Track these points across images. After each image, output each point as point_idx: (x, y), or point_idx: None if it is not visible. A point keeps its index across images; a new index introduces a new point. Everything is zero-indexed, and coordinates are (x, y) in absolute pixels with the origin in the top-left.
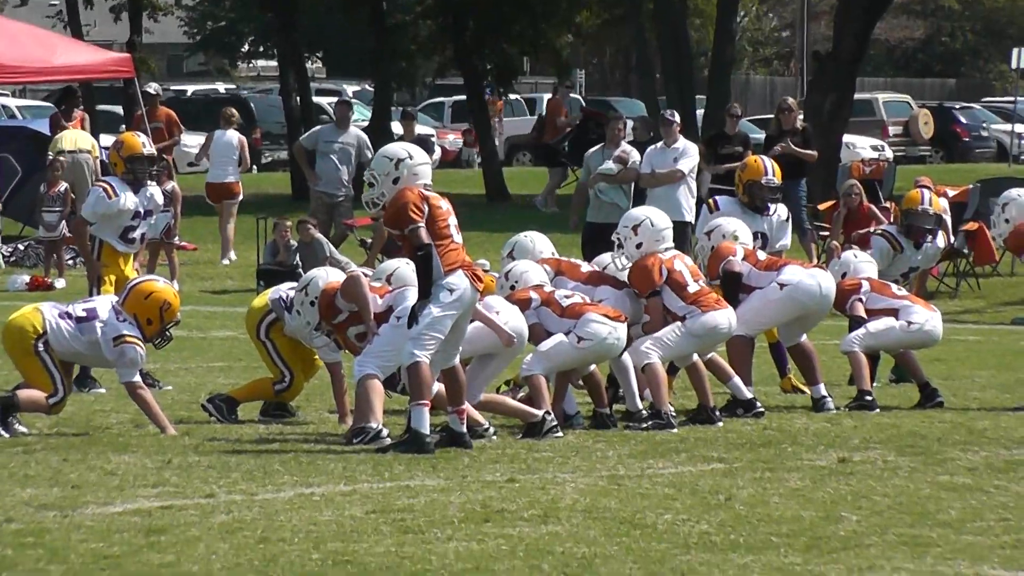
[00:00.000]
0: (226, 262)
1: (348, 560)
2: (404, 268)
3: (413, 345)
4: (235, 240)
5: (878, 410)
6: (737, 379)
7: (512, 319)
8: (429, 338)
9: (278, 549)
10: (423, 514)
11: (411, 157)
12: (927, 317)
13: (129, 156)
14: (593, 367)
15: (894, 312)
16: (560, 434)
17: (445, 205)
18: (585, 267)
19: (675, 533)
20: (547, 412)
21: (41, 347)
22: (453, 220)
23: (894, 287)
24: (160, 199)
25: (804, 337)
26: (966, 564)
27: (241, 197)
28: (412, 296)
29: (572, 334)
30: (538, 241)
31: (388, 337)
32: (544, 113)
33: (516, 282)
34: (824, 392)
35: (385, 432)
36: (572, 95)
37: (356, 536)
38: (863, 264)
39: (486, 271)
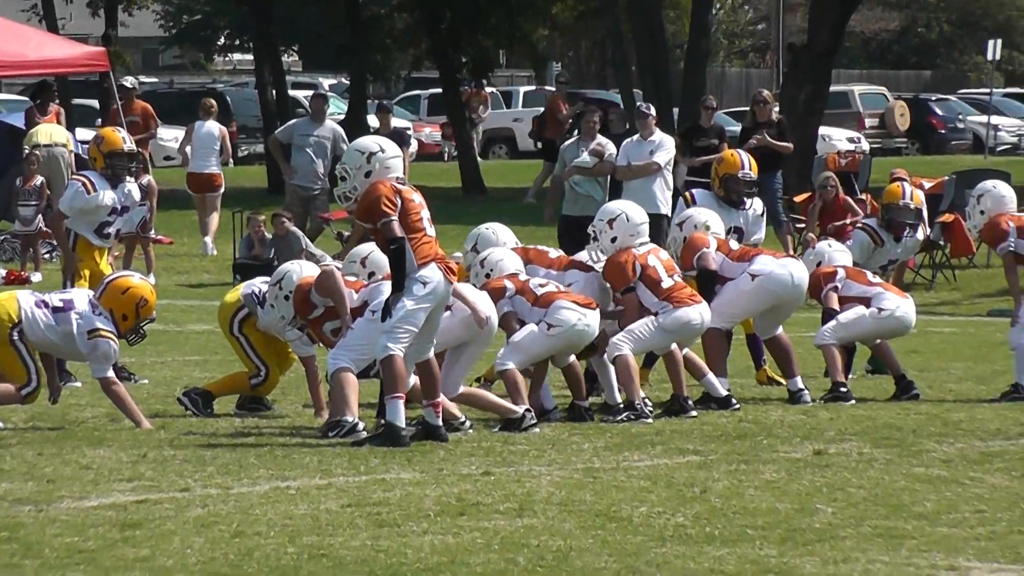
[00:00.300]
0: (208, 240)
1: (324, 554)
2: (378, 252)
3: (387, 338)
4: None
5: (853, 401)
6: (711, 376)
7: (482, 307)
8: (403, 331)
9: (253, 543)
10: (398, 507)
11: (383, 151)
12: (898, 304)
13: (109, 152)
14: (572, 358)
15: (866, 300)
16: (538, 431)
17: (418, 198)
18: (553, 253)
19: (650, 526)
20: (527, 409)
21: (16, 336)
22: (426, 213)
23: (869, 275)
24: (137, 195)
25: (780, 329)
26: (941, 556)
27: (223, 189)
28: (387, 290)
29: (542, 322)
30: (500, 232)
31: (362, 330)
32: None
33: (491, 270)
34: (801, 385)
35: (361, 425)
36: (549, 87)
37: (331, 530)
38: (837, 254)
39: (460, 264)
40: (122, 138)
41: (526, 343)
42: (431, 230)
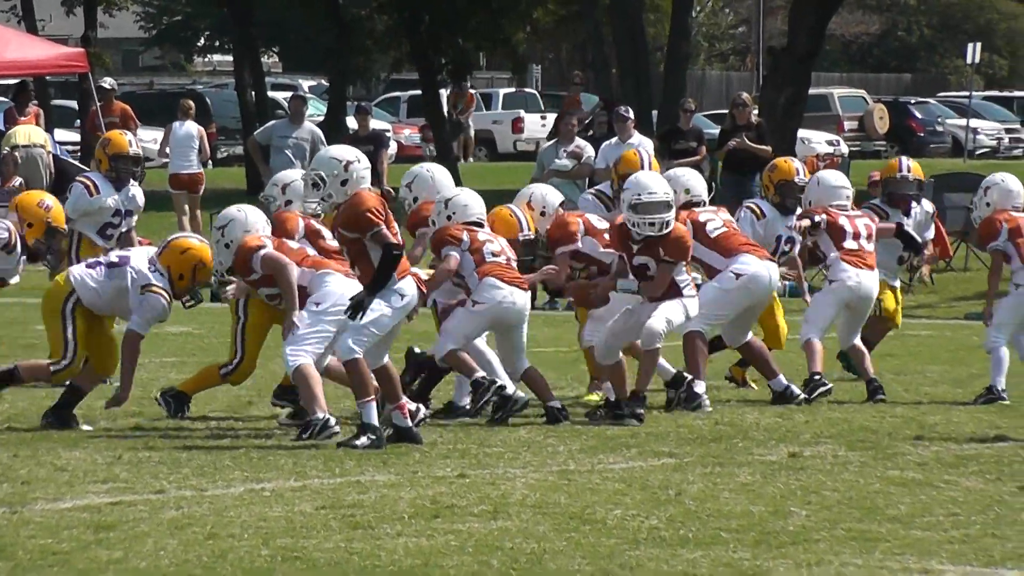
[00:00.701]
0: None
1: (297, 556)
2: (300, 181)
3: (353, 340)
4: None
5: (830, 386)
6: (662, 360)
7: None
8: (368, 335)
9: (227, 545)
10: (373, 510)
11: (359, 160)
12: (850, 274)
13: (114, 154)
14: (527, 363)
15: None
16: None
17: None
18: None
19: (624, 528)
20: (489, 379)
21: (69, 307)
22: (396, 227)
23: (850, 239)
24: (141, 200)
25: (751, 335)
26: (914, 559)
27: (204, 186)
28: (331, 283)
29: (469, 299)
30: (438, 174)
31: (311, 322)
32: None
33: (454, 213)
34: (785, 382)
35: (332, 421)
36: (529, 90)
37: (305, 532)
38: (834, 188)
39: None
40: (128, 141)
41: (454, 326)
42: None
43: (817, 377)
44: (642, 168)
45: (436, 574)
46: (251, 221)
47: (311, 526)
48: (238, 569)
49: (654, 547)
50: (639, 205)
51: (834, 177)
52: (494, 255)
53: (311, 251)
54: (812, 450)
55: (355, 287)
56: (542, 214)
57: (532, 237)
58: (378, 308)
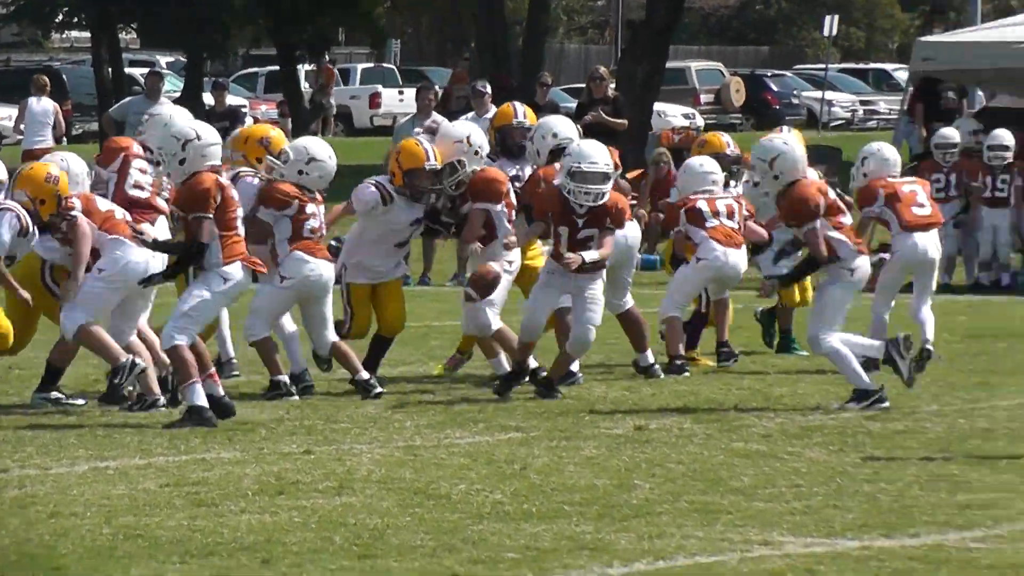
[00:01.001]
0: None
1: (139, 534)
2: (160, 115)
3: (174, 328)
4: None
5: (687, 373)
6: (502, 356)
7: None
8: (193, 321)
9: (69, 523)
10: (217, 487)
11: (199, 138)
12: (719, 253)
13: None
14: (333, 337)
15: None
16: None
17: (236, 195)
18: None
19: (468, 503)
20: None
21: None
22: (240, 211)
23: (711, 218)
24: (3, 174)
25: (632, 303)
26: (756, 531)
27: None
28: (120, 251)
29: (276, 275)
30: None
31: (91, 287)
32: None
33: (320, 176)
34: (652, 359)
35: (138, 359)
36: (387, 65)
37: (148, 510)
38: (701, 174)
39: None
40: None
41: (262, 303)
42: (242, 229)
43: (679, 363)
44: (516, 117)
45: (278, 550)
46: (74, 172)
47: (155, 504)
48: (79, 547)
49: (497, 521)
50: (578, 173)
51: (699, 163)
52: (312, 232)
53: (120, 213)
54: (658, 423)
55: (144, 255)
56: (476, 154)
57: (438, 167)
58: (198, 294)
